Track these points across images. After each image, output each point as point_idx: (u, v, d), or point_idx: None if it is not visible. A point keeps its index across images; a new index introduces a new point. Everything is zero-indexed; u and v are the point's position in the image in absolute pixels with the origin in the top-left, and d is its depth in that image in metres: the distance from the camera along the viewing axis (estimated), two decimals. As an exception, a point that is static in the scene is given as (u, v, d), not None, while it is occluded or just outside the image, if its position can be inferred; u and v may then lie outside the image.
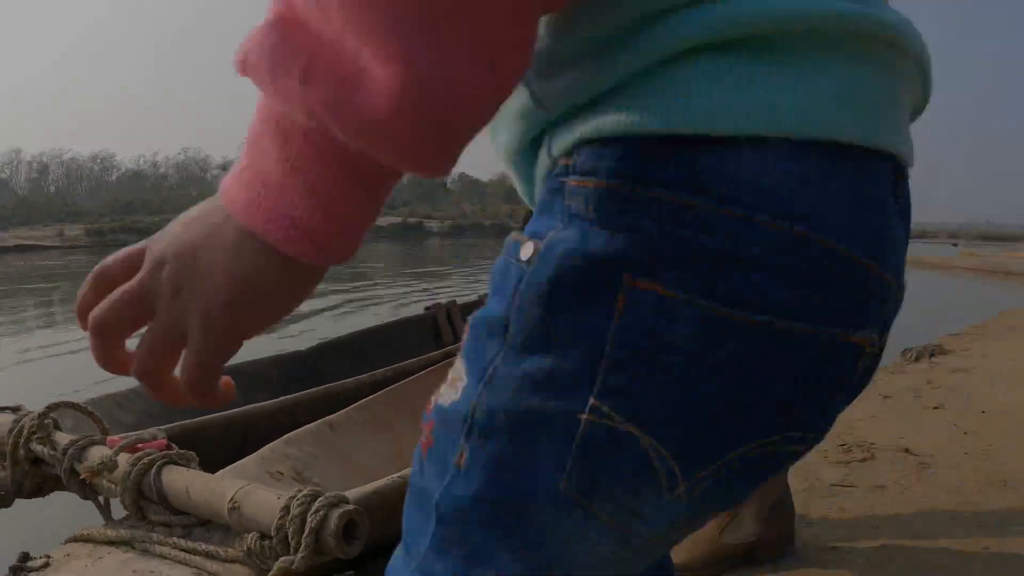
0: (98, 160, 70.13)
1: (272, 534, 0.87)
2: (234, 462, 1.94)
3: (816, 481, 1.89)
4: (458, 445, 0.40)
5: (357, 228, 0.36)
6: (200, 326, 0.37)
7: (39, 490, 1.55)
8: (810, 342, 0.36)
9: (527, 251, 0.38)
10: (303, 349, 3.85)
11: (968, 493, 1.51)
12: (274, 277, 0.36)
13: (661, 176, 0.35)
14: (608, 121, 0.36)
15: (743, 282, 0.35)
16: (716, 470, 0.38)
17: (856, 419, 2.58)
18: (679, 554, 1.43)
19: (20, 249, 27.61)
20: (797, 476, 1.86)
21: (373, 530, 1.63)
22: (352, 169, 0.34)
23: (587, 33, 0.37)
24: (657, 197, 0.35)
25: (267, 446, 1.97)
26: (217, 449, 2.31)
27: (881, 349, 0.41)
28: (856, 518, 1.57)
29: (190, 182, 69.96)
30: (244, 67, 0.33)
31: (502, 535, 0.40)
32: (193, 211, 0.39)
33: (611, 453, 0.37)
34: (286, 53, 0.31)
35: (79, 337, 7.07)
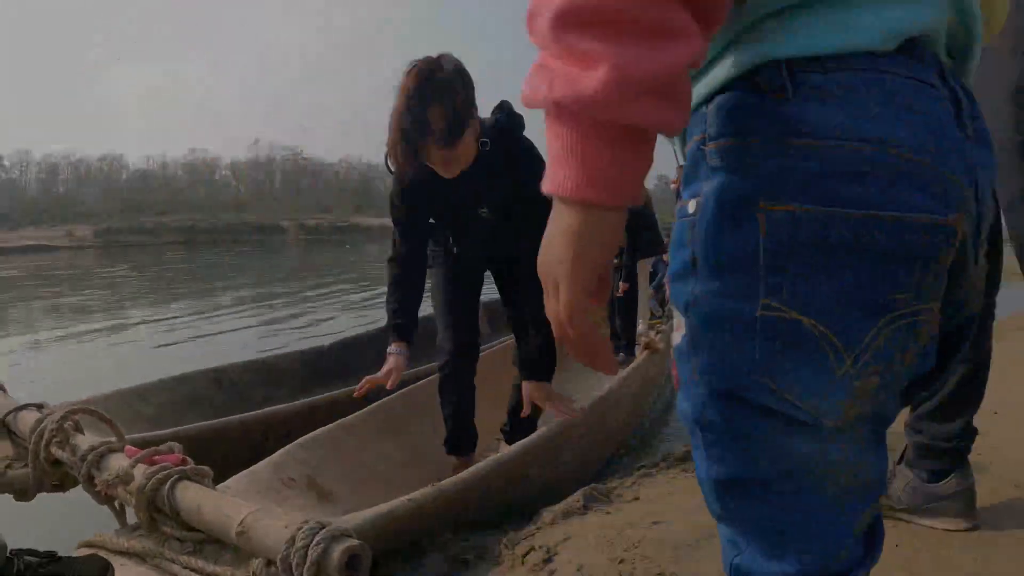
0: (107, 161, 69.39)
1: (278, 563, 0.88)
2: (255, 460, 1.96)
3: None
4: (688, 366, 0.53)
5: (631, 176, 0.47)
6: (564, 279, 0.49)
7: (59, 486, 1.59)
8: (911, 226, 0.47)
9: (692, 206, 0.51)
10: (326, 344, 3.87)
11: (979, 494, 1.50)
12: (588, 225, 0.47)
13: (762, 126, 0.49)
14: (720, 75, 0.51)
15: (841, 189, 0.47)
16: (870, 342, 0.48)
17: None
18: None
19: (30, 249, 27.82)
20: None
21: (386, 545, 1.65)
22: (609, 138, 0.45)
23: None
24: (763, 144, 0.48)
25: (281, 450, 1.97)
26: (238, 448, 2.34)
27: (965, 232, 0.50)
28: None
29: (199, 182, 69.18)
30: (525, 97, 0.47)
31: (727, 437, 0.53)
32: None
33: (785, 338, 0.48)
34: (539, 79, 0.45)
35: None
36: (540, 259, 0.50)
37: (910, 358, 0.51)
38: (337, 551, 0.85)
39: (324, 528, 0.88)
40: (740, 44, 0.51)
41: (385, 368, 2.16)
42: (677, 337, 0.54)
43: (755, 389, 0.50)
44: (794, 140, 0.48)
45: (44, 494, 1.61)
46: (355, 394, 2.20)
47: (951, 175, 0.49)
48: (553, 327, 0.52)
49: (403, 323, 2.20)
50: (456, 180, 1.93)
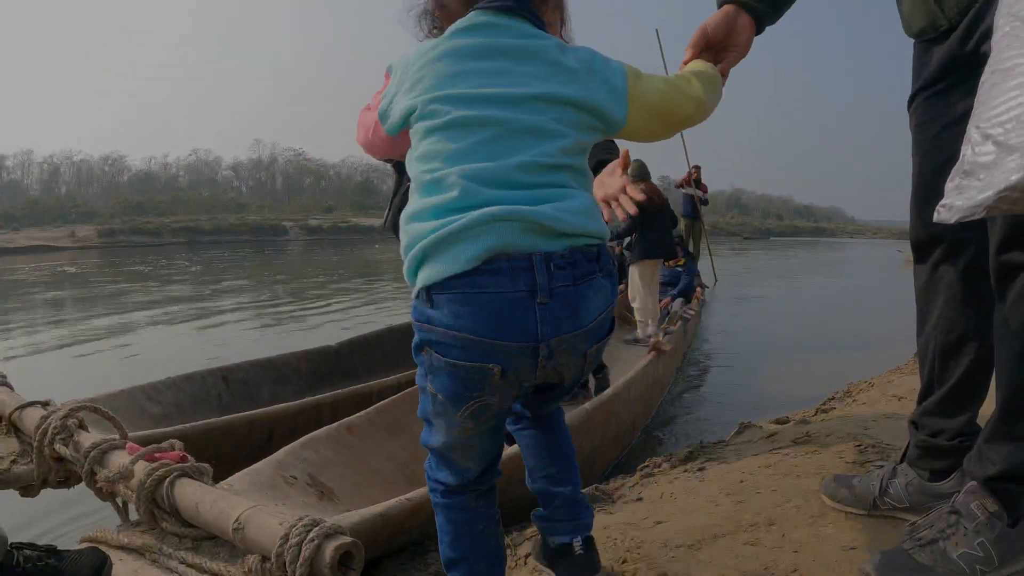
0: (109, 161, 69.59)
1: (272, 559, 0.89)
2: (260, 457, 1.97)
3: (831, 479, 1.85)
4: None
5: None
6: None
7: (64, 482, 1.60)
8: (470, 368, 0.96)
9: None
10: (333, 344, 3.89)
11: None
12: None
13: (418, 317, 0.99)
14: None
15: (442, 349, 0.97)
16: (466, 409, 1.01)
17: (870, 420, 2.52)
18: None
19: (33, 250, 27.82)
20: (813, 475, 1.85)
21: (383, 543, 1.65)
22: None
23: None
24: (420, 324, 0.99)
25: (283, 448, 1.99)
26: (242, 446, 2.36)
27: (510, 371, 0.98)
28: (872, 517, 1.56)
29: (201, 183, 68.20)
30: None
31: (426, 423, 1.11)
32: None
33: (435, 399, 1.03)
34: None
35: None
36: None
37: (488, 418, 1.04)
38: (330, 548, 0.86)
39: (318, 525, 0.89)
40: (416, 276, 0.98)
41: None
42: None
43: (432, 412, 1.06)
44: (427, 325, 0.96)
45: (49, 490, 1.63)
46: None
47: (499, 343, 0.94)
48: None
49: None
50: None
